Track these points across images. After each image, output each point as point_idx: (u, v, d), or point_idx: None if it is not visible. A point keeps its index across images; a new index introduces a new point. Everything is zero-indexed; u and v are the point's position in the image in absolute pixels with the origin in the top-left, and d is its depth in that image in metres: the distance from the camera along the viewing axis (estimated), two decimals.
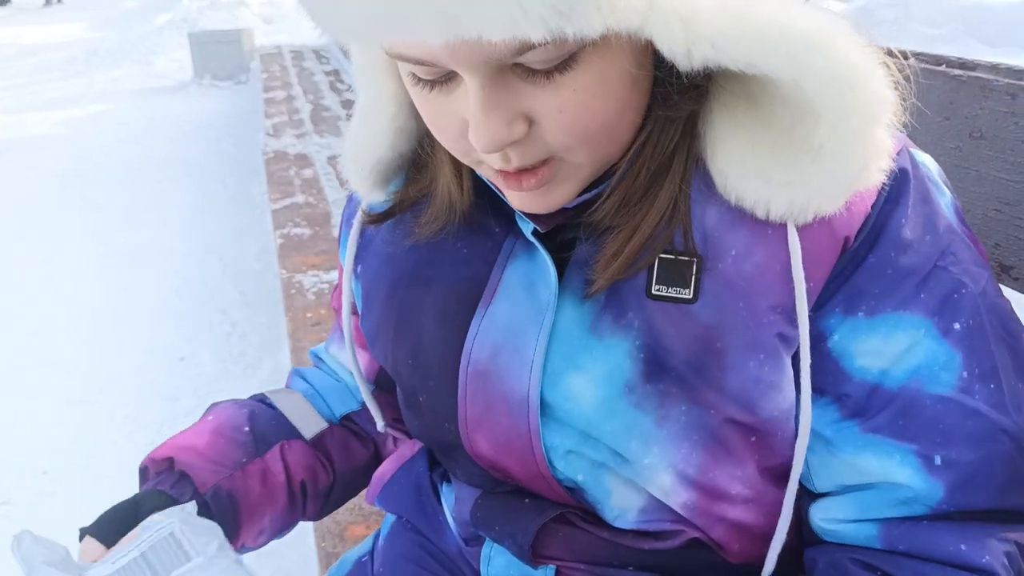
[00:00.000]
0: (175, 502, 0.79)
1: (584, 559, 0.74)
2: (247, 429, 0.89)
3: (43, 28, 12.79)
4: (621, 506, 0.70)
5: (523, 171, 0.61)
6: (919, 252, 0.63)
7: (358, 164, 0.77)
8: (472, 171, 0.71)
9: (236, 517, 0.85)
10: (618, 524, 0.71)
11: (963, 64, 0.98)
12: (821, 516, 0.69)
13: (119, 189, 5.04)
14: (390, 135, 0.74)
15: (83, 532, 0.77)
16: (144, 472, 0.86)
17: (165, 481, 0.82)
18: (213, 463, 0.85)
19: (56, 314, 3.46)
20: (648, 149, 0.63)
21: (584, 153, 0.61)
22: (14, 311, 3.50)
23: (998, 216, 0.92)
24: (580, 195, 0.65)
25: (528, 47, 0.52)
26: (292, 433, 0.92)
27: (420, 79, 0.60)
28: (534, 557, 0.74)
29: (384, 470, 0.92)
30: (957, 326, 0.63)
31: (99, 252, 4.10)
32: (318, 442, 0.93)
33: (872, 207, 0.63)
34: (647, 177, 0.64)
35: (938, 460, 0.63)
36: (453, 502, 0.82)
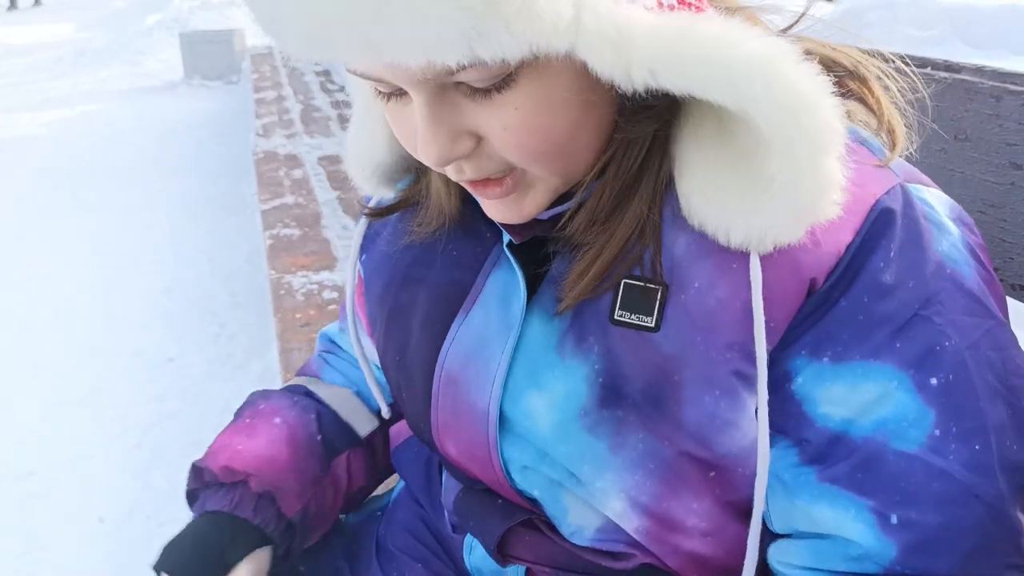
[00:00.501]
0: (262, 534, 0.80)
1: (550, 564, 0.74)
2: (319, 439, 0.89)
3: (32, 28, 12.73)
4: (578, 523, 0.70)
5: (488, 181, 0.61)
6: (898, 299, 0.60)
7: (360, 165, 0.78)
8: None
9: (307, 533, 0.87)
10: (575, 540, 0.71)
11: (948, 66, 0.99)
12: (778, 559, 0.67)
13: (108, 189, 5.01)
14: (386, 139, 0.75)
15: (158, 570, 0.77)
16: (200, 474, 0.84)
17: (244, 505, 0.80)
18: (299, 482, 0.85)
19: (44, 315, 3.44)
20: (612, 168, 0.63)
21: (541, 169, 0.61)
22: (1, 311, 3.48)
23: (983, 218, 0.92)
24: (552, 208, 0.65)
25: (454, 69, 0.52)
26: (354, 439, 0.93)
27: (379, 91, 0.61)
28: (503, 556, 0.76)
29: (400, 428, 0.93)
30: (934, 381, 0.59)
31: (89, 252, 4.08)
32: (369, 440, 0.94)
33: (846, 249, 0.60)
34: (611, 197, 0.63)
35: (895, 519, 0.60)
36: (444, 488, 0.84)
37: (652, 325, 0.62)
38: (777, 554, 0.67)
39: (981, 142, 0.92)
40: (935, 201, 0.65)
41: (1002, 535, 0.60)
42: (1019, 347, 0.64)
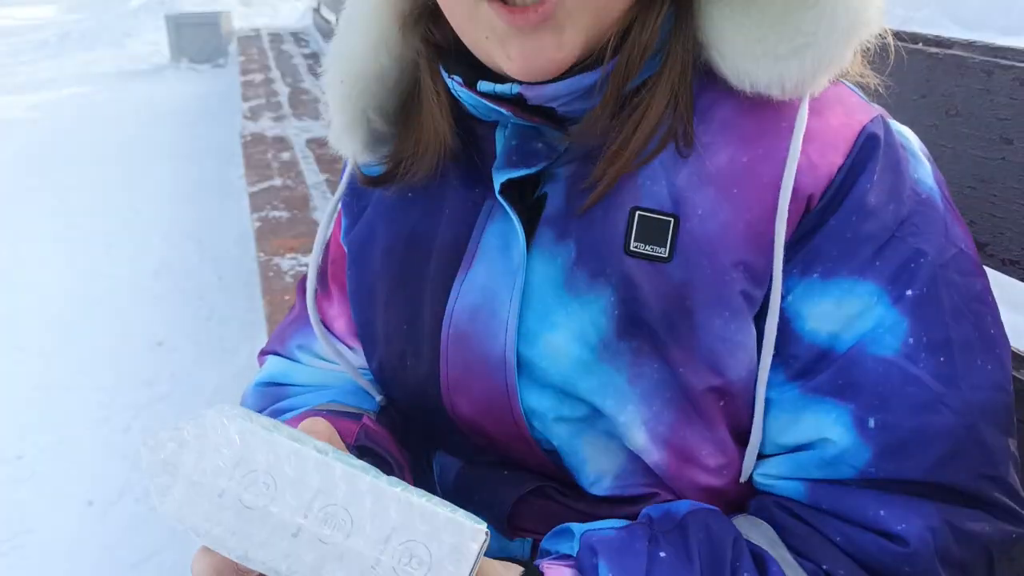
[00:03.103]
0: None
1: None
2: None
3: (16, 10, 12.59)
4: (597, 471, 0.71)
5: (526, 7, 0.61)
6: (880, 219, 0.63)
7: (340, 76, 0.76)
8: (451, 108, 0.71)
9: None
10: (594, 491, 0.72)
11: (939, 42, 0.98)
12: (760, 471, 0.69)
13: (95, 173, 4.98)
14: (372, 38, 0.74)
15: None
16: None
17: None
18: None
19: (30, 299, 3.42)
20: (635, 29, 0.64)
21: None
22: None
23: (973, 194, 0.92)
24: (577, 73, 0.65)
25: None
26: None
27: None
28: (511, 529, 0.75)
29: None
30: (909, 292, 0.63)
31: (75, 236, 4.05)
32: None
33: (838, 170, 0.64)
34: (639, 59, 0.64)
35: (872, 423, 0.63)
36: (439, 470, 0.82)
37: (665, 255, 0.65)
38: (760, 468, 0.69)
39: (972, 117, 0.92)
40: (908, 135, 0.69)
41: (973, 446, 0.62)
42: (979, 278, 0.67)
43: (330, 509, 0.52)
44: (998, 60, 0.90)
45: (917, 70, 0.97)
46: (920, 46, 0.99)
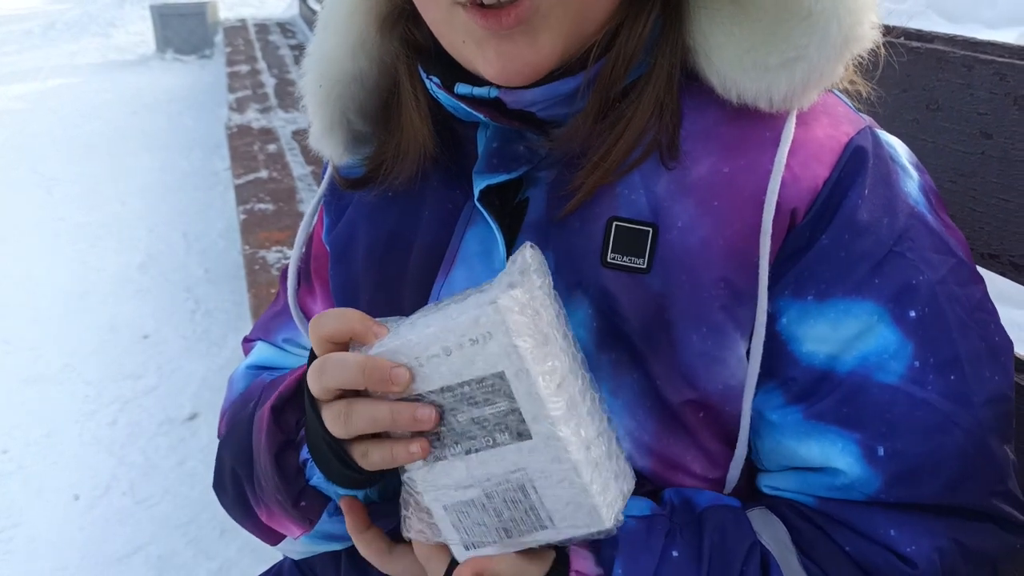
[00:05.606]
0: None
1: None
2: None
3: (1, 0, 12.47)
4: None
5: (501, 9, 0.60)
6: (875, 235, 0.62)
7: (318, 80, 0.76)
8: (432, 110, 0.71)
9: None
10: None
11: (920, 36, 0.99)
12: (767, 483, 0.69)
13: (80, 165, 4.95)
14: (351, 40, 0.73)
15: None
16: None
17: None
18: None
19: (17, 291, 3.40)
20: (622, 35, 0.63)
21: None
22: None
23: (953, 187, 0.92)
24: (558, 78, 0.64)
25: None
26: None
27: None
28: None
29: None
30: (912, 314, 0.62)
31: (61, 228, 4.03)
32: None
33: (824, 183, 0.62)
34: (624, 66, 0.63)
35: (881, 451, 0.62)
36: None
37: (644, 266, 0.63)
38: (765, 480, 0.69)
39: (952, 111, 0.92)
40: (896, 145, 0.68)
41: (984, 463, 0.62)
42: (978, 284, 0.66)
43: None
44: (978, 55, 0.90)
45: (898, 64, 0.98)
46: (901, 40, 0.99)
